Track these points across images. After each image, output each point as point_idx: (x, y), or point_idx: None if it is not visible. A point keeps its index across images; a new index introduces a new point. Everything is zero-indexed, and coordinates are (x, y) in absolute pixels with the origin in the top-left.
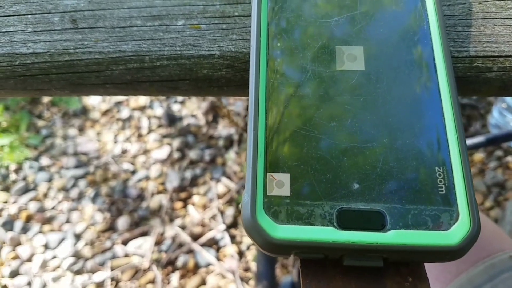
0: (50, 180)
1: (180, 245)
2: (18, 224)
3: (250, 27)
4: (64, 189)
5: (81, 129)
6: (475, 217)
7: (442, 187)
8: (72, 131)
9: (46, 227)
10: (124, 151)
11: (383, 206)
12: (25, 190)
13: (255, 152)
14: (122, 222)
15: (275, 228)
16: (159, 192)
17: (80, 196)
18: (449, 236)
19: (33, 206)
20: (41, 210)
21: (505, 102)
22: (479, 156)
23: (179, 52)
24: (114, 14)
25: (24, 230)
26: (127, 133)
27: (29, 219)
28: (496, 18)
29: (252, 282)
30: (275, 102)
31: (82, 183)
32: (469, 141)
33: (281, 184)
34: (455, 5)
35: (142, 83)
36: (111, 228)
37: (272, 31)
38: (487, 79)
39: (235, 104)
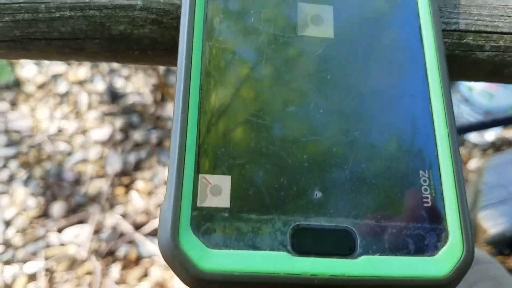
0: None
1: (122, 235)
2: None
3: None
4: None
5: (14, 104)
6: (468, 238)
7: (427, 198)
8: (3, 106)
9: None
10: (60, 130)
11: (352, 222)
12: None
13: (182, 144)
14: (58, 208)
15: (206, 255)
16: (98, 176)
17: (11, 179)
18: (437, 264)
19: None
20: None
21: (459, 92)
22: None
23: (87, 0)
24: None
25: None
26: (65, 109)
27: None
28: None
29: None
30: (213, 76)
31: (13, 164)
32: None
33: (217, 191)
34: None
35: (35, 40)
36: (45, 214)
37: None
38: (477, 60)
39: None
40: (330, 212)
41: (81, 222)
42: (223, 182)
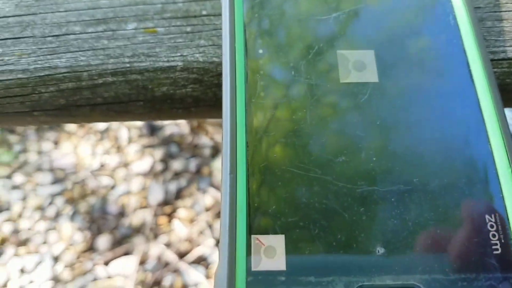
0: (24, 198)
1: (166, 264)
2: None
3: (221, 29)
4: (40, 208)
5: (57, 143)
6: None
7: (496, 244)
8: (47, 145)
9: (22, 250)
10: (102, 165)
11: (419, 278)
12: None
13: (232, 206)
14: (103, 241)
15: None
16: (141, 207)
17: (58, 215)
18: None
19: (7, 228)
20: (16, 231)
21: None
22: None
23: (127, 65)
24: (47, 20)
25: None
26: (106, 145)
27: (3, 241)
28: None
29: None
30: (259, 131)
31: (59, 201)
32: None
33: (272, 252)
34: None
35: (80, 107)
36: (91, 248)
37: (250, 33)
38: None
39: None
40: (395, 269)
41: (126, 253)
42: (277, 242)
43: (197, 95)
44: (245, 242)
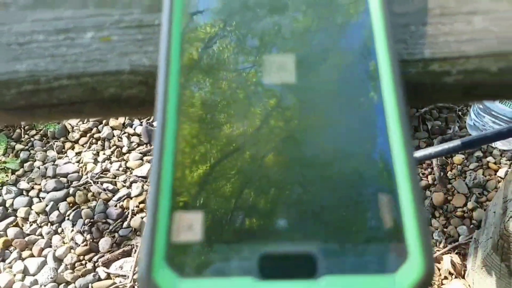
0: (29, 204)
1: None
2: None
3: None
4: (44, 212)
5: (61, 151)
6: (428, 256)
7: (386, 218)
8: (52, 153)
9: (26, 253)
10: (104, 171)
11: (314, 246)
12: (4, 216)
13: (157, 185)
14: (104, 243)
15: (177, 285)
16: (140, 211)
17: (60, 219)
18: (397, 282)
19: (11, 232)
20: (20, 235)
21: (481, 102)
22: (459, 157)
23: (81, 70)
24: (13, 30)
25: (2, 257)
26: (107, 152)
27: (7, 245)
28: (456, 14)
29: None
30: (187, 123)
31: (62, 206)
32: (446, 146)
33: (190, 226)
34: (409, 1)
35: (39, 108)
36: (92, 250)
37: (186, 38)
38: (445, 84)
39: None
40: (293, 238)
41: (125, 255)
42: (196, 217)
43: (142, 96)
44: (166, 218)
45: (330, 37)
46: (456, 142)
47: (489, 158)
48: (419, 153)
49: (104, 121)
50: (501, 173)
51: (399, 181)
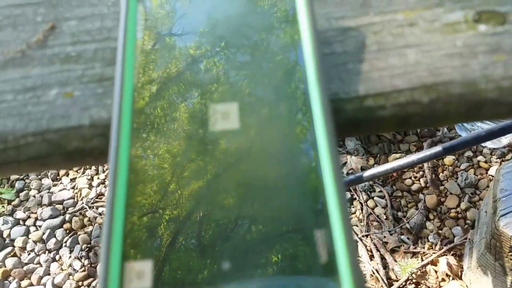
0: (26, 233)
1: None
2: None
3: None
4: (41, 240)
5: (56, 178)
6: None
7: (321, 255)
8: (47, 181)
9: (25, 282)
10: (99, 195)
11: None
12: (1, 246)
13: (109, 236)
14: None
15: None
16: None
17: (58, 246)
18: None
19: (10, 262)
20: (19, 265)
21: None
22: (450, 159)
23: (45, 127)
24: None
25: None
26: (101, 176)
27: (6, 276)
28: (392, 48)
29: None
30: (137, 174)
31: (59, 233)
32: (428, 152)
33: (141, 274)
34: (348, 39)
35: (8, 164)
36: (90, 275)
37: (138, 91)
38: (381, 118)
39: None
40: (238, 277)
41: None
42: (146, 266)
43: (102, 148)
44: (118, 267)
45: (265, 83)
46: (437, 148)
47: (480, 158)
48: (406, 160)
49: None
50: (492, 171)
51: (332, 219)
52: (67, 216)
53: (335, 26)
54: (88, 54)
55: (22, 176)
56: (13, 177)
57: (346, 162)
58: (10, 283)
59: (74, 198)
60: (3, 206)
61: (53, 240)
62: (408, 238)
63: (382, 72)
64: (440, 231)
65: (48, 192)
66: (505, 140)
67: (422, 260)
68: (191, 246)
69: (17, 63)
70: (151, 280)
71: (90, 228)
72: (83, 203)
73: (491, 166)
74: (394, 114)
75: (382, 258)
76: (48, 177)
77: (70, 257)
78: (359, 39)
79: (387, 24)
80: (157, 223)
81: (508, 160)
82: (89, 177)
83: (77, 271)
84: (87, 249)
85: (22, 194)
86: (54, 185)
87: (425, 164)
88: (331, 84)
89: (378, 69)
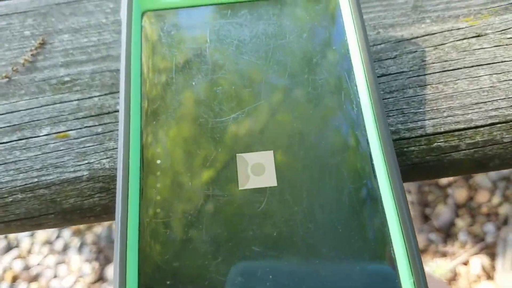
0: (32, 234)
1: None
2: (4, 287)
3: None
4: (48, 242)
5: None
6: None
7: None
8: None
9: (34, 286)
10: None
11: None
12: (8, 248)
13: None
14: (112, 270)
15: None
16: None
17: (66, 248)
18: None
19: (17, 265)
20: (27, 267)
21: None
22: None
23: (35, 180)
24: None
25: None
26: None
27: (15, 279)
28: (459, 68)
29: None
30: (152, 243)
31: (66, 234)
32: None
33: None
34: (403, 55)
35: None
36: (100, 278)
37: (147, 139)
38: (454, 161)
39: None
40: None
41: None
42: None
43: (105, 203)
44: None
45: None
46: None
47: None
48: None
49: None
50: None
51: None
52: None
53: (384, 37)
54: (84, 78)
55: None
56: None
57: None
58: (19, 286)
59: None
60: None
61: (60, 241)
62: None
63: (450, 101)
64: (470, 228)
65: None
66: None
67: (452, 260)
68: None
69: (2, 92)
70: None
71: (99, 228)
72: None
73: None
74: (470, 157)
75: None
76: None
77: (78, 259)
78: (417, 55)
79: (448, 35)
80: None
81: None
82: None
83: (87, 274)
84: (96, 250)
85: None
86: None
87: None
88: (389, 117)
89: (446, 97)
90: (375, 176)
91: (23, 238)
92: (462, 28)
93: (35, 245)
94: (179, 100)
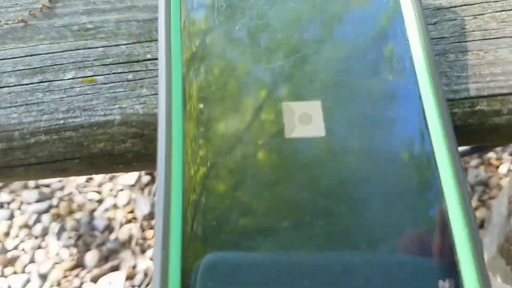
0: (10, 217)
1: None
2: None
3: None
4: (27, 226)
5: None
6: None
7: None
8: None
9: (9, 270)
10: (89, 179)
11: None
12: None
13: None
14: (90, 257)
15: None
16: (128, 221)
17: (44, 233)
18: None
19: None
20: (2, 251)
21: None
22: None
23: (61, 121)
24: None
25: None
26: None
27: None
28: (499, 38)
29: None
30: (196, 199)
31: (45, 218)
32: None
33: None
34: (443, 22)
35: (14, 168)
36: (79, 265)
37: (189, 87)
38: (496, 126)
39: None
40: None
41: (114, 269)
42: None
43: (137, 149)
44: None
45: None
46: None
47: (491, 154)
48: None
49: None
50: (502, 169)
51: (465, 271)
52: (55, 201)
53: (424, 4)
54: (108, 26)
55: None
56: None
57: None
58: None
59: (62, 181)
60: None
61: (39, 225)
62: None
63: (493, 68)
64: None
65: None
66: None
67: None
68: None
69: (19, 36)
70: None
71: (79, 214)
72: (72, 187)
73: (501, 164)
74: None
75: None
76: None
77: (57, 245)
78: (457, 22)
79: (487, 6)
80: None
81: None
82: None
83: (65, 260)
84: (76, 236)
85: None
86: None
87: None
88: None
89: (488, 63)
90: (429, 135)
91: (1, 221)
92: (500, 0)
93: (13, 229)
94: (222, 45)
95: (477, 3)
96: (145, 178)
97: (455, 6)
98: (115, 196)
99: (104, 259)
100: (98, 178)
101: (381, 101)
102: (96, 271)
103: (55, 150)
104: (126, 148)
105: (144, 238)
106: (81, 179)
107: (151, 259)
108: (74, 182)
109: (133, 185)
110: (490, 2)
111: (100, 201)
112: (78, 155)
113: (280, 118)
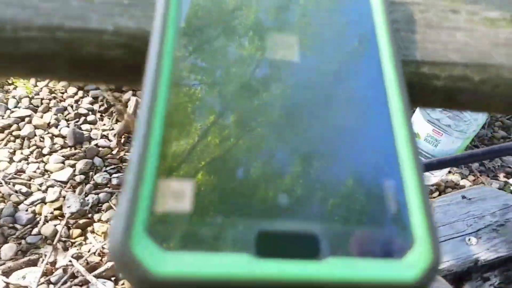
0: None
1: (74, 277)
2: None
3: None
4: None
5: None
6: (435, 244)
7: (392, 204)
8: None
9: None
10: (19, 171)
11: (317, 226)
12: None
13: (144, 148)
14: (7, 250)
15: (160, 258)
16: (54, 218)
17: None
18: (404, 268)
19: None
20: None
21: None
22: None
23: (57, 23)
24: None
25: None
26: (26, 152)
27: None
28: (440, 27)
29: None
30: (180, 85)
31: None
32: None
33: (178, 195)
34: (396, 11)
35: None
36: None
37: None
38: (434, 88)
39: None
40: (295, 217)
41: (31, 264)
42: (185, 186)
43: (125, 58)
44: (151, 184)
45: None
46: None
47: None
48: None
49: (27, 119)
50: None
51: (404, 168)
52: None
53: None
54: None
55: None
56: None
57: None
58: None
59: None
60: None
61: None
62: None
63: (435, 45)
64: None
65: None
66: (434, 178)
67: None
68: (244, 167)
69: None
70: (190, 202)
71: (1, 205)
72: None
73: None
74: (446, 86)
75: None
76: None
77: None
78: (407, 12)
79: (431, 6)
80: (203, 139)
81: (435, 197)
82: (11, 150)
83: None
84: None
85: None
86: None
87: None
88: None
89: (431, 41)
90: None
91: None
92: (442, 5)
93: None
94: None
95: (422, 3)
96: (79, 177)
97: (406, 3)
98: (45, 191)
99: (22, 253)
100: (29, 171)
101: (344, 42)
102: (10, 264)
103: (45, 46)
104: (116, 55)
105: (69, 236)
106: (11, 170)
107: (73, 257)
108: (2, 172)
109: (65, 182)
110: (434, 5)
111: (27, 194)
112: (67, 55)
113: (261, 43)
